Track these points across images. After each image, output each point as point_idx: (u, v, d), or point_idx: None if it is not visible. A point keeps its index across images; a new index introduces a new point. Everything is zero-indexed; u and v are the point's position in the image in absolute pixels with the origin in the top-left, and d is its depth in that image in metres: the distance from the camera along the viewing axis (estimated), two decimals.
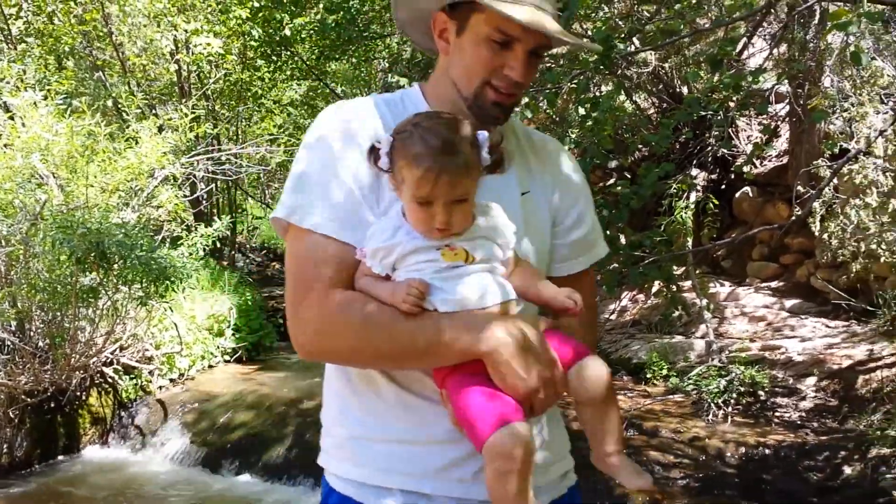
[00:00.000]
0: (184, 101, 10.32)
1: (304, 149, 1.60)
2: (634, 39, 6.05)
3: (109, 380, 7.36)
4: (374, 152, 1.51)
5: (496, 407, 1.38)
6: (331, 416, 1.65)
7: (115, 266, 6.21)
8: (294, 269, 1.55)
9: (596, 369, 1.48)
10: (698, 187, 8.50)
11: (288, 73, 11.63)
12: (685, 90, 8.36)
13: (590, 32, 6.90)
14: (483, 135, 1.49)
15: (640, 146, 4.00)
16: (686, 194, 8.04)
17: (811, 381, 6.02)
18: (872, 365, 5.90)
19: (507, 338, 1.41)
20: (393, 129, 1.51)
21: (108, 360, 7.32)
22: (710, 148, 7.66)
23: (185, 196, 9.24)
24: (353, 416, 1.59)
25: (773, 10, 5.31)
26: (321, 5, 9.75)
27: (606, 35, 3.24)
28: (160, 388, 7.73)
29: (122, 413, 7.35)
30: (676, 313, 6.55)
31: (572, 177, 1.82)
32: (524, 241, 1.64)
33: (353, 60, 11.85)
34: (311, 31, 9.97)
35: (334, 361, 1.61)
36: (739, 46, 7.17)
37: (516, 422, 1.35)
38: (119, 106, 10.44)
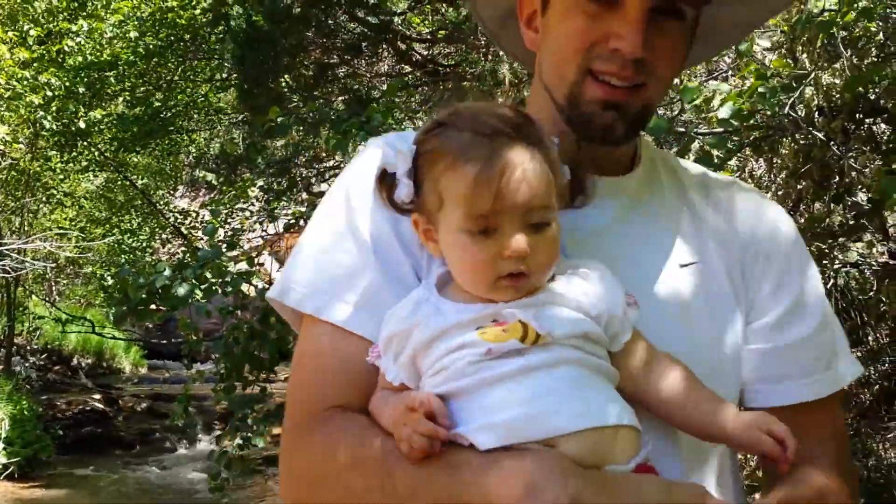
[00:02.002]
0: None
1: (324, 201, 1.10)
2: None
3: None
4: (385, 182, 0.98)
5: None
6: None
7: None
8: (292, 380, 1.04)
9: None
10: None
11: (84, 163, 11.04)
12: None
13: None
14: (553, 139, 0.96)
15: None
16: None
17: None
18: None
19: None
20: (414, 137, 0.98)
21: None
22: None
23: None
24: None
25: None
26: (121, 99, 9.43)
27: None
28: None
29: None
30: None
31: (782, 242, 1.14)
32: (682, 341, 1.02)
33: (157, 153, 11.47)
34: (111, 124, 9.59)
35: None
36: None
37: None
38: None
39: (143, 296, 3.05)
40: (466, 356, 0.88)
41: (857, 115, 4.08)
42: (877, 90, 3.78)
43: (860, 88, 3.69)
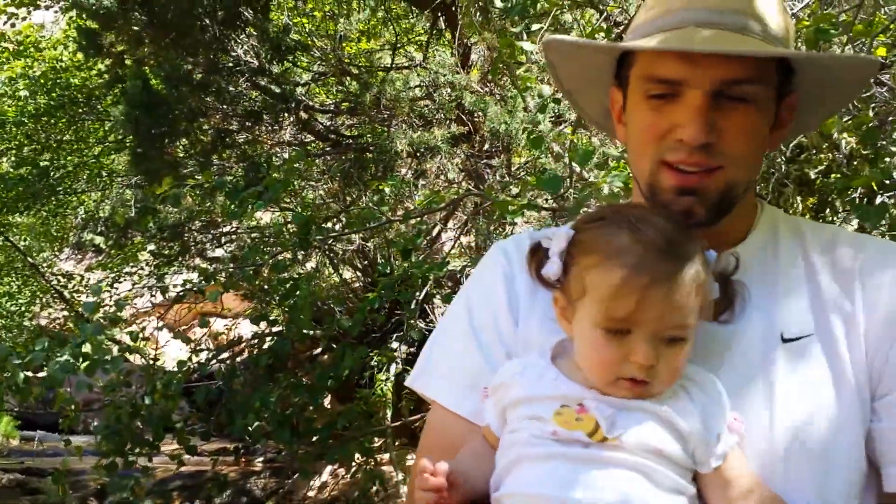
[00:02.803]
0: None
1: (454, 300, 1.25)
2: (342, 217, 6.34)
3: None
4: (537, 255, 1.03)
5: None
6: None
7: None
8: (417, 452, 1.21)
9: None
10: (398, 360, 8.81)
11: None
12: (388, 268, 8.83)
13: (297, 208, 7.10)
14: (711, 254, 0.99)
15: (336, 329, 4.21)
16: (386, 367, 8.28)
17: None
18: None
19: None
20: (576, 221, 1.04)
21: None
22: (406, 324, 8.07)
23: None
24: None
25: (461, 204, 5.89)
26: (5, 158, 9.04)
27: (305, 219, 3.37)
28: None
29: None
30: (374, 488, 6.54)
31: None
32: (776, 423, 1.00)
33: (43, 214, 10.97)
34: None
35: None
36: (436, 231, 7.82)
37: None
38: None
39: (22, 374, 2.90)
40: (534, 428, 0.94)
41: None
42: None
43: None
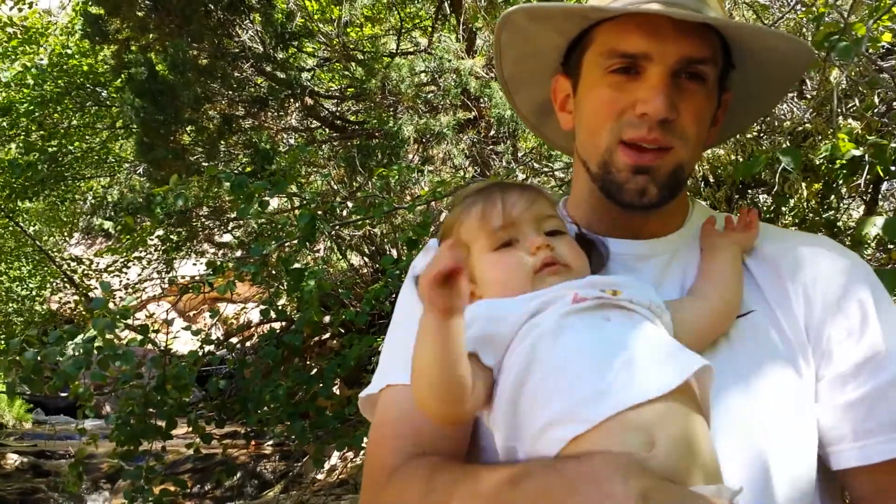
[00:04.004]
0: None
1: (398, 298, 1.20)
2: (349, 203, 6.35)
3: None
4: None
5: None
6: None
7: None
8: (368, 445, 1.07)
9: None
10: None
11: None
12: (394, 252, 8.85)
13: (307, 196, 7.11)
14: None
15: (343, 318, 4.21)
16: None
17: None
18: None
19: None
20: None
21: None
22: None
23: None
24: None
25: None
26: (13, 145, 9.07)
27: (310, 217, 3.39)
28: None
29: None
30: None
31: (853, 288, 1.07)
32: (731, 397, 0.97)
33: (53, 199, 11.02)
34: (1, 170, 9.19)
35: None
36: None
37: None
38: None
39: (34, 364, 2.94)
40: (557, 310, 0.89)
41: (740, 186, 4.35)
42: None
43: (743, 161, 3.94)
